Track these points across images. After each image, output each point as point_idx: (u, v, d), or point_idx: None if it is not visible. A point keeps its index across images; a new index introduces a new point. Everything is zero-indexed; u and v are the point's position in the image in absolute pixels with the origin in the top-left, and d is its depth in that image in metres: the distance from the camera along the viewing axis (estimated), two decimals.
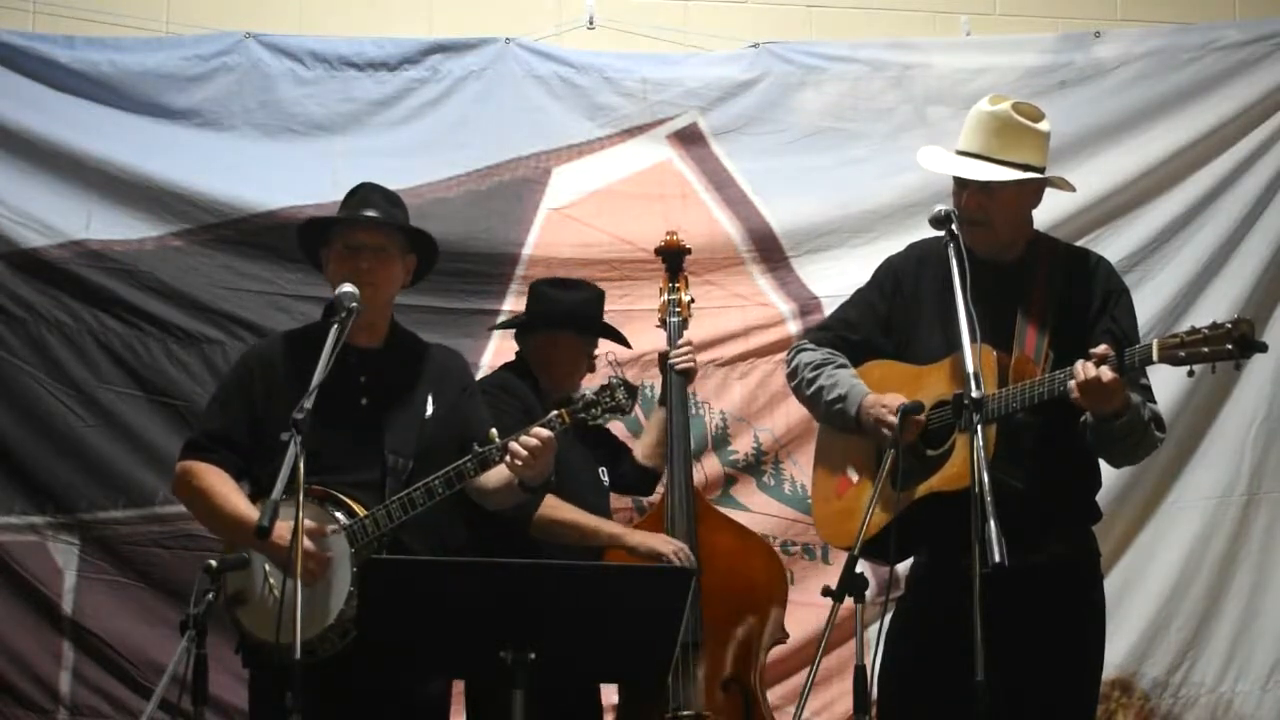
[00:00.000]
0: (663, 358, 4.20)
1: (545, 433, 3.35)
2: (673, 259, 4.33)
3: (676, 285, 4.28)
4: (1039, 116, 3.44)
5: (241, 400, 3.55)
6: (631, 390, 3.49)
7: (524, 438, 3.34)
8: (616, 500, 4.38)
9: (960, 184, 3.43)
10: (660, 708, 3.77)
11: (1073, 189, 3.54)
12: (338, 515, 3.37)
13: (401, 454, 3.47)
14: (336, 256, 3.54)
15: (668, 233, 4.42)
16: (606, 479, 4.16)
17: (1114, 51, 5.21)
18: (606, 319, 4.26)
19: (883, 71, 5.18)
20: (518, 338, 4.19)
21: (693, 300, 4.30)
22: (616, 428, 4.57)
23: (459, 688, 3.96)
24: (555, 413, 3.41)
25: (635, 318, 4.59)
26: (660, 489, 4.21)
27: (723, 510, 4.36)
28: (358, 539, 3.35)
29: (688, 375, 4.16)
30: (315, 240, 3.65)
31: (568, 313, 4.06)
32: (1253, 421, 5.07)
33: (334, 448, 3.35)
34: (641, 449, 4.26)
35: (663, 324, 4.25)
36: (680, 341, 4.16)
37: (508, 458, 3.34)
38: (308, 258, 3.73)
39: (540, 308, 4.13)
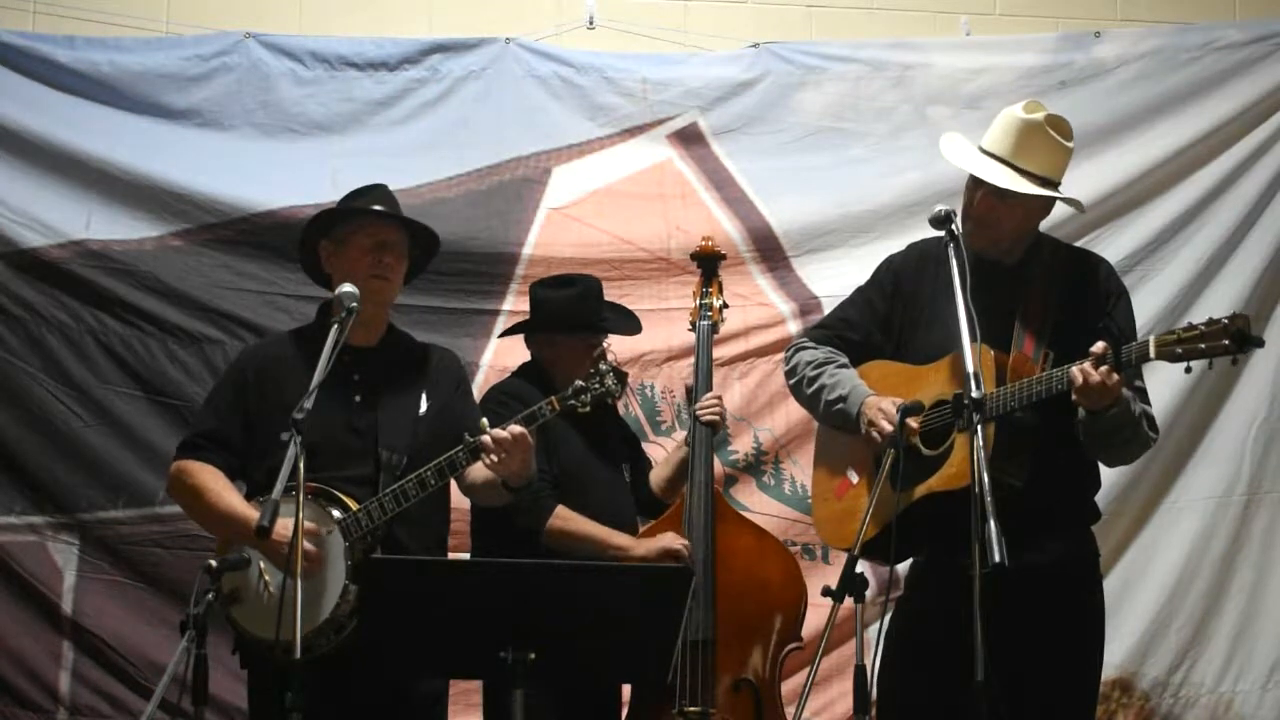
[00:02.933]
0: (688, 393, 4.17)
1: (517, 428, 3.35)
2: (707, 264, 4.31)
3: (709, 290, 4.26)
4: (1069, 134, 3.43)
5: (236, 400, 3.56)
6: (621, 376, 3.50)
7: (495, 430, 3.34)
8: None
9: (976, 182, 3.43)
10: (672, 707, 3.77)
11: (1083, 210, 3.54)
12: (332, 511, 3.38)
13: (396, 450, 3.47)
14: (356, 249, 3.54)
15: (703, 238, 4.39)
16: (629, 476, 4.16)
17: (1114, 51, 5.21)
18: None
19: (883, 71, 5.18)
20: (526, 341, 4.19)
21: (725, 305, 4.28)
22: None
23: (459, 687, 3.96)
24: (544, 401, 3.43)
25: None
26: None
27: None
28: (351, 533, 3.35)
29: (713, 427, 4.09)
30: (318, 234, 3.65)
31: (560, 313, 4.05)
32: (1253, 421, 5.07)
33: (328, 444, 3.36)
34: (656, 479, 4.23)
35: (693, 328, 4.24)
36: (709, 395, 4.09)
37: (483, 454, 3.35)
38: (302, 249, 3.70)
39: (535, 310, 4.13)
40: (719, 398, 4.11)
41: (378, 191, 3.66)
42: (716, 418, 4.07)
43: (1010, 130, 3.42)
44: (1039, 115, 3.41)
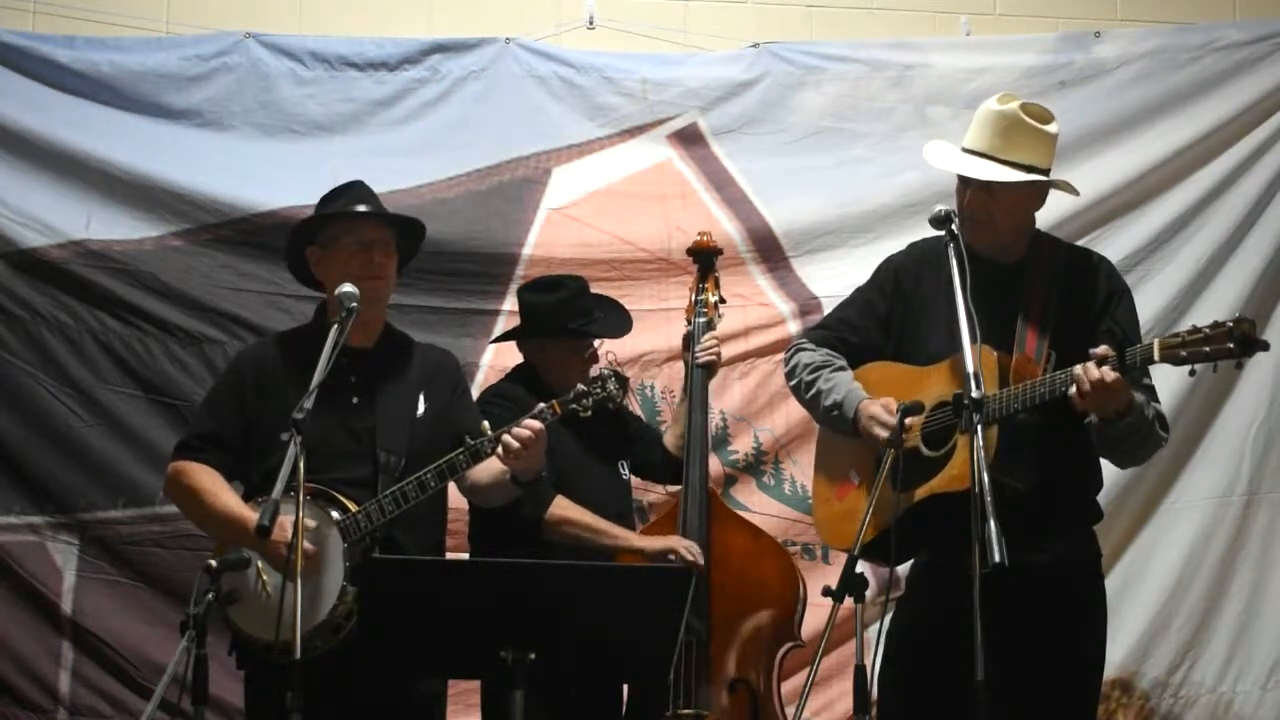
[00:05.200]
0: (686, 341, 4.18)
1: (536, 424, 3.36)
2: (704, 259, 4.29)
3: (705, 286, 4.23)
4: (1048, 118, 3.43)
5: (233, 401, 3.56)
6: (622, 380, 3.49)
7: (516, 429, 3.35)
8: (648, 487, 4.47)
9: (964, 181, 3.43)
10: (667, 708, 3.77)
11: (1076, 193, 3.52)
12: (331, 512, 3.37)
13: (394, 452, 3.47)
14: (344, 252, 3.54)
15: (700, 233, 4.38)
16: (626, 472, 4.16)
17: (1114, 51, 5.21)
18: None
19: (883, 71, 5.18)
20: (518, 345, 4.19)
21: (722, 301, 4.26)
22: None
23: (459, 687, 3.96)
24: (545, 404, 3.43)
25: (636, 317, 4.57)
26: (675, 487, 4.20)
27: None
28: (350, 535, 3.35)
29: (709, 369, 4.11)
30: (304, 240, 3.65)
31: (545, 318, 4.05)
32: (1253, 421, 5.06)
33: (326, 446, 3.35)
34: (670, 439, 4.24)
35: (689, 324, 4.23)
36: (707, 336, 4.12)
37: (500, 450, 3.36)
38: (290, 257, 3.72)
39: (523, 315, 4.14)
40: (717, 339, 4.14)
41: (355, 190, 3.65)
42: (713, 357, 4.10)
43: (987, 125, 3.41)
44: (1013, 105, 3.40)
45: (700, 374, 4.09)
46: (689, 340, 4.15)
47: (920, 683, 3.34)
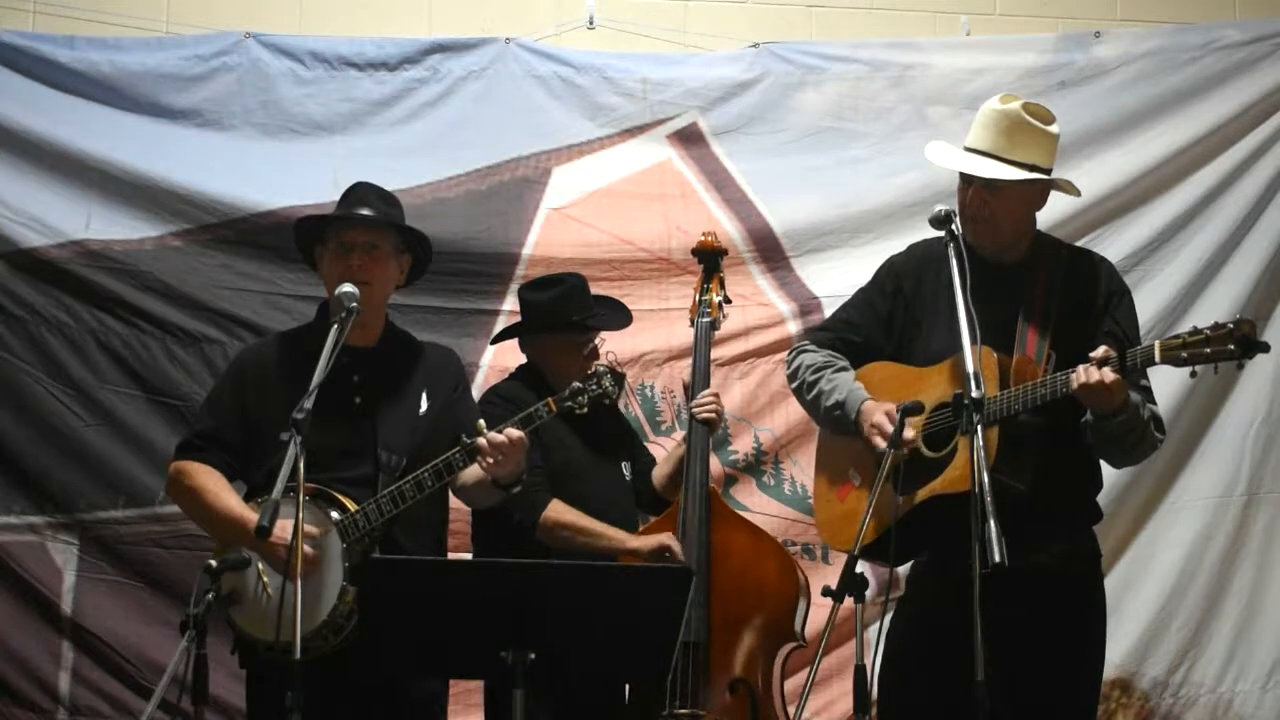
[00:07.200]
0: (686, 391, 4.16)
1: (515, 432, 3.36)
2: (709, 260, 4.26)
3: (709, 286, 4.20)
4: (1049, 119, 3.43)
5: (235, 401, 3.57)
6: (618, 377, 3.50)
7: (492, 435, 3.35)
8: None
9: (966, 180, 3.43)
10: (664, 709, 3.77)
11: (1078, 193, 3.52)
12: (330, 512, 3.38)
13: (395, 451, 3.48)
14: (330, 255, 3.56)
15: (704, 233, 4.35)
16: (629, 472, 4.16)
17: (1114, 51, 5.21)
18: None
19: (883, 71, 5.18)
20: (519, 344, 4.19)
21: (727, 301, 4.22)
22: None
23: (459, 687, 3.96)
24: (541, 403, 3.43)
25: (636, 317, 4.58)
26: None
27: None
28: (349, 535, 3.35)
29: (709, 425, 4.05)
30: (311, 239, 3.66)
31: (545, 314, 4.06)
32: (1253, 421, 5.06)
33: (327, 445, 3.35)
34: (658, 476, 4.22)
35: (692, 324, 4.22)
36: (706, 393, 4.04)
37: (478, 454, 3.36)
38: (304, 257, 3.74)
39: (524, 313, 4.14)
40: (716, 395, 4.07)
41: (357, 192, 3.64)
42: (713, 415, 4.03)
43: (989, 124, 3.42)
44: (1015, 104, 3.41)
45: (701, 429, 4.02)
46: (689, 392, 4.12)
47: (920, 683, 3.34)
